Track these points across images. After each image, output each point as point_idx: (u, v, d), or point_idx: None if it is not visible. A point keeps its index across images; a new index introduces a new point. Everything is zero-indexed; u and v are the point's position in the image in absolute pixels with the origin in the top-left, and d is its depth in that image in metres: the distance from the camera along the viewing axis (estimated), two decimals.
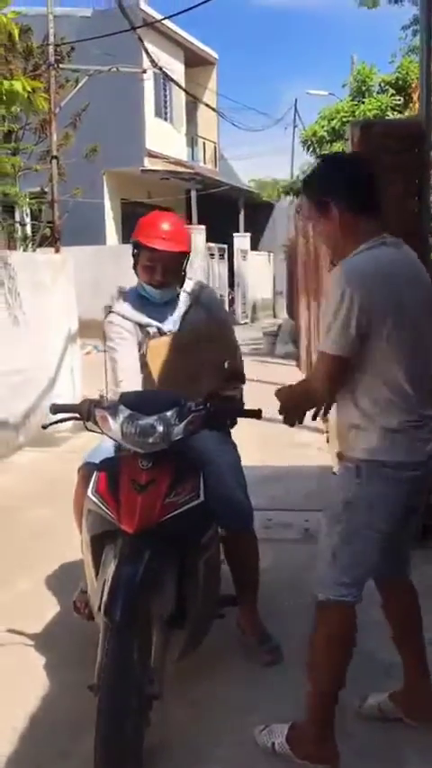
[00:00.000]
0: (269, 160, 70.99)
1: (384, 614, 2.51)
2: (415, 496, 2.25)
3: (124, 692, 2.11)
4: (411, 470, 2.16)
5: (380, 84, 13.97)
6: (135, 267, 2.94)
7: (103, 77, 10.89)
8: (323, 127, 14.43)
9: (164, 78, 17.85)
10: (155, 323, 2.93)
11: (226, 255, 20.63)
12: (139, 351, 2.89)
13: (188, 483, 2.42)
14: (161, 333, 2.92)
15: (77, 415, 2.55)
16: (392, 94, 13.50)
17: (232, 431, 2.97)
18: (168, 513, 2.31)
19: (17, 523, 4.55)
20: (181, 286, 2.98)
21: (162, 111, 21.34)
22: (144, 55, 12.78)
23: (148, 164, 19.40)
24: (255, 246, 24.13)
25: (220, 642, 2.84)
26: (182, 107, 22.19)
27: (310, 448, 6.21)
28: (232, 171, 28.50)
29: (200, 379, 2.80)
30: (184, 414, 2.43)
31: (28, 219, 9.30)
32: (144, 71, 14.13)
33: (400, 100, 13.39)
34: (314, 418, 2.56)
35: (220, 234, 19.87)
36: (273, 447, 6.03)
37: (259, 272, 23.97)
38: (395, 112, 13.16)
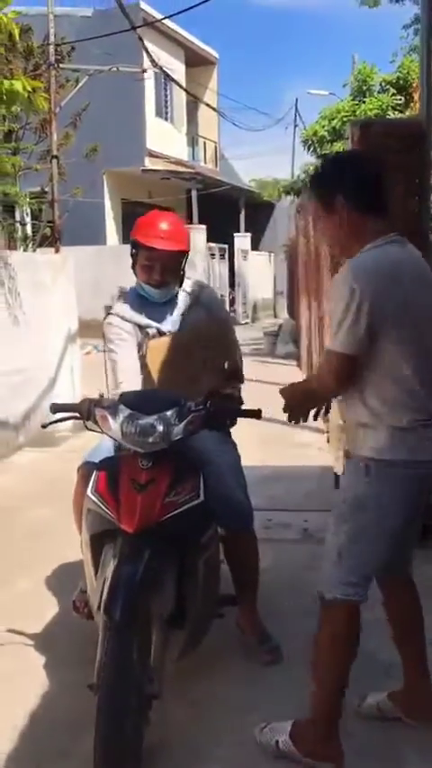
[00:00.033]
0: (270, 160, 70.84)
1: (386, 613, 2.51)
2: (423, 495, 2.26)
3: (124, 692, 2.11)
4: (420, 469, 2.16)
5: (381, 84, 13.98)
6: (134, 267, 2.94)
7: (103, 77, 10.90)
8: (324, 126, 14.45)
9: (164, 78, 17.88)
10: (154, 324, 2.92)
11: (227, 255, 20.64)
12: (139, 352, 2.89)
13: (188, 482, 2.42)
14: (161, 333, 2.92)
15: (77, 415, 2.55)
16: (393, 94, 13.51)
17: (232, 431, 2.97)
18: (168, 512, 2.31)
19: (17, 523, 4.55)
20: (180, 285, 2.98)
21: (163, 111, 21.34)
22: (144, 55, 12.78)
23: (149, 163, 19.41)
24: (255, 246, 24.13)
25: (220, 642, 2.84)
26: (182, 107, 22.19)
27: (310, 448, 6.21)
28: (233, 171, 28.50)
29: (200, 379, 2.80)
30: (183, 413, 2.43)
31: (28, 219, 9.29)
32: (144, 71, 14.13)
33: (401, 99, 13.40)
34: (315, 418, 2.56)
35: (220, 234, 19.88)
36: (273, 447, 6.03)
37: (260, 271, 23.98)
38: (396, 112, 13.16)
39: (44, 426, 2.77)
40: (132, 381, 2.77)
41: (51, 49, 8.44)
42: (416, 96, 11.98)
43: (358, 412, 2.21)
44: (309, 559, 3.73)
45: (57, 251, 8.04)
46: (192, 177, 19.75)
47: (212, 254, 19.42)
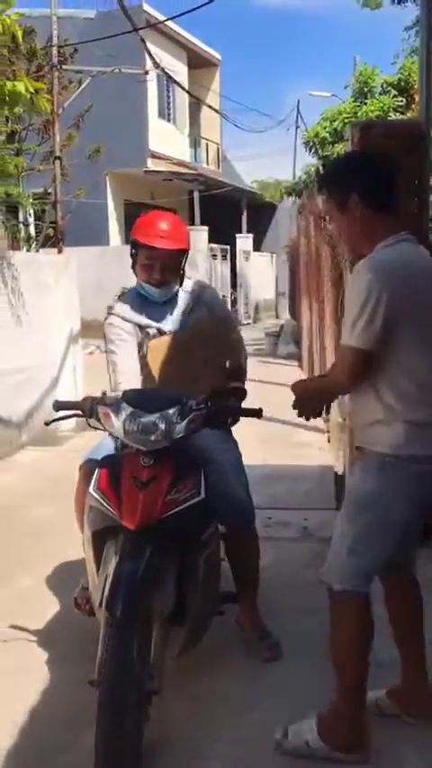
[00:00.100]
0: (271, 161, 70.86)
1: (387, 612, 2.52)
2: None
3: (124, 688, 2.12)
4: None
5: (382, 86, 13.98)
6: (134, 267, 2.96)
7: (106, 78, 10.91)
8: (325, 128, 14.45)
9: (167, 79, 17.89)
10: (154, 324, 2.94)
11: (228, 256, 20.64)
12: (140, 352, 2.91)
13: (189, 480, 2.44)
14: (161, 333, 2.93)
15: (80, 412, 2.57)
16: (395, 96, 13.51)
17: (233, 429, 2.99)
18: (169, 510, 2.33)
19: (19, 522, 4.57)
20: (180, 284, 2.99)
21: (165, 113, 21.36)
22: (147, 56, 12.80)
23: (151, 165, 19.43)
24: (257, 247, 24.13)
25: (220, 639, 2.86)
26: (185, 108, 22.21)
27: (310, 447, 6.22)
28: (235, 172, 28.52)
29: (201, 378, 2.82)
30: (185, 412, 2.45)
31: (31, 220, 9.31)
32: (147, 72, 14.15)
33: (402, 101, 13.40)
34: (319, 415, 2.58)
35: (222, 235, 19.88)
36: (273, 446, 6.05)
37: (262, 272, 23.98)
38: (397, 113, 13.16)
39: (47, 423, 2.79)
40: (131, 383, 2.78)
41: (54, 50, 8.47)
42: (417, 98, 11.98)
43: (372, 408, 2.23)
44: (308, 558, 3.76)
45: (59, 251, 8.07)
46: (194, 178, 19.76)
47: (214, 255, 19.42)
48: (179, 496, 2.38)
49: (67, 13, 13.81)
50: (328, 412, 2.63)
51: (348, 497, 2.33)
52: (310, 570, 3.43)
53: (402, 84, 13.48)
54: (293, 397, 2.37)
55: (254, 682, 2.78)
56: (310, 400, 2.39)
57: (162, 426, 2.37)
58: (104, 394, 2.60)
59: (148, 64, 13.75)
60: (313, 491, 4.94)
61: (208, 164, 24.38)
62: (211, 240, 18.51)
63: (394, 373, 2.18)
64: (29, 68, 8.18)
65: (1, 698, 2.72)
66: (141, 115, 19.07)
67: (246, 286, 22.22)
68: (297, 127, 26.49)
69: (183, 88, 18.28)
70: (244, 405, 2.78)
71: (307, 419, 2.42)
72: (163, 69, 14.93)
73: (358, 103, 13.99)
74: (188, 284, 3.05)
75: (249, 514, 2.91)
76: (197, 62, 22.44)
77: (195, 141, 24.00)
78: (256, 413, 2.63)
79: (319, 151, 14.57)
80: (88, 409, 2.52)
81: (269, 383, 7.72)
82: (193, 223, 18.52)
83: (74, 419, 2.71)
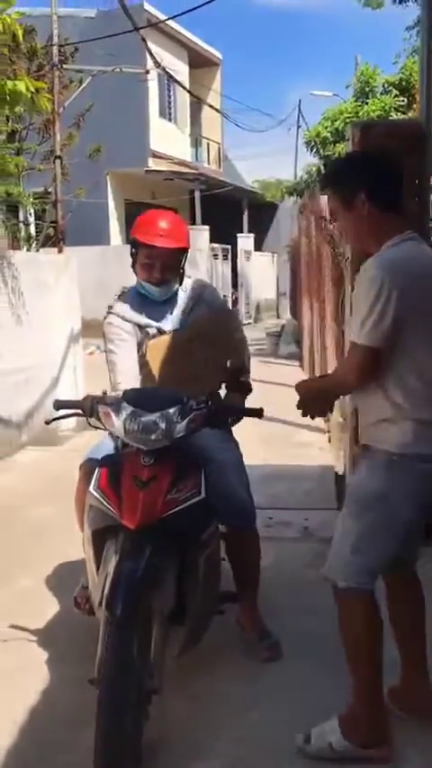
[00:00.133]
0: (273, 161, 70.67)
1: (389, 612, 2.51)
2: None
3: (124, 687, 2.12)
4: None
5: (383, 85, 13.98)
6: (134, 266, 2.96)
7: (106, 78, 10.90)
8: (327, 128, 14.45)
9: (168, 79, 17.88)
10: (154, 323, 2.94)
11: (229, 256, 20.64)
12: (139, 351, 2.91)
13: (189, 480, 2.44)
14: (161, 332, 2.93)
15: (80, 411, 2.57)
16: (396, 95, 13.51)
17: (234, 429, 2.99)
18: (170, 509, 2.33)
19: (19, 521, 4.57)
20: (180, 283, 2.99)
21: (166, 112, 21.36)
22: (148, 56, 12.79)
23: (152, 164, 19.42)
24: (258, 247, 24.13)
25: (220, 638, 2.86)
26: (186, 108, 22.20)
27: (311, 447, 6.23)
28: (236, 171, 28.51)
29: (201, 378, 2.82)
30: (186, 411, 2.45)
31: (32, 219, 9.32)
32: (148, 72, 14.13)
33: (403, 101, 13.40)
34: (323, 414, 2.58)
35: (223, 234, 19.88)
36: (274, 446, 6.05)
37: (263, 272, 23.97)
38: (399, 113, 13.17)
39: (47, 422, 2.79)
40: (130, 383, 2.78)
41: (55, 49, 8.47)
42: (418, 98, 11.97)
43: (380, 407, 2.23)
44: (309, 558, 3.76)
45: (60, 251, 8.06)
46: (195, 178, 19.76)
47: (215, 255, 19.42)
48: (179, 496, 2.38)
49: (67, 12, 13.81)
50: (332, 411, 2.63)
51: (352, 495, 2.33)
52: (311, 570, 3.43)
53: (404, 83, 13.48)
54: (297, 397, 2.37)
55: (254, 682, 2.78)
56: (315, 400, 2.39)
57: (162, 426, 2.38)
58: (105, 393, 2.60)
59: (149, 63, 13.75)
60: (314, 491, 4.94)
61: (209, 163, 24.38)
62: (212, 240, 18.50)
63: (402, 371, 2.19)
64: (29, 68, 8.18)
65: (1, 697, 2.72)
66: (142, 114, 19.06)
67: (247, 286, 22.22)
68: (298, 126, 26.49)
69: (184, 87, 18.27)
70: (245, 404, 2.78)
71: (312, 418, 2.42)
72: (164, 69, 14.92)
73: (359, 103, 14.00)
74: (188, 283, 3.04)
75: (250, 514, 2.91)
76: (198, 61, 22.44)
77: (196, 141, 23.99)
78: (257, 413, 2.63)
79: (321, 151, 14.57)
80: (89, 408, 2.52)
81: (270, 383, 7.72)
82: (194, 223, 18.51)
83: (74, 419, 2.72)
